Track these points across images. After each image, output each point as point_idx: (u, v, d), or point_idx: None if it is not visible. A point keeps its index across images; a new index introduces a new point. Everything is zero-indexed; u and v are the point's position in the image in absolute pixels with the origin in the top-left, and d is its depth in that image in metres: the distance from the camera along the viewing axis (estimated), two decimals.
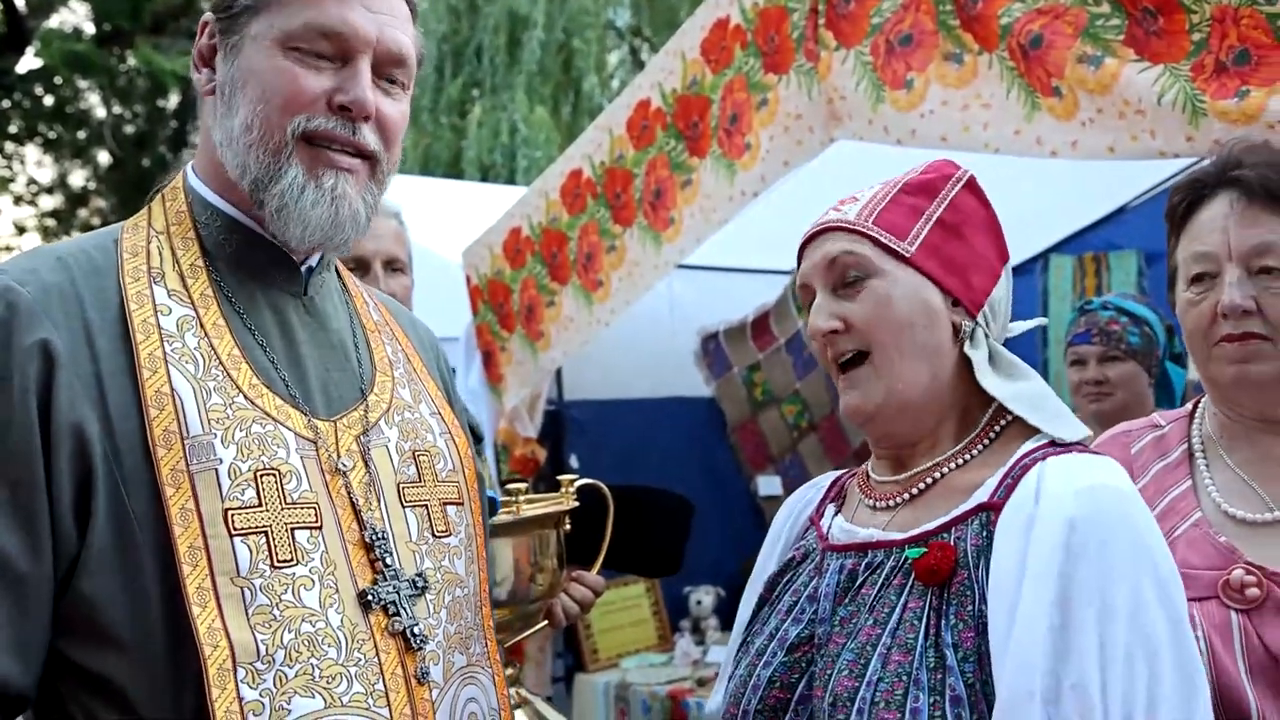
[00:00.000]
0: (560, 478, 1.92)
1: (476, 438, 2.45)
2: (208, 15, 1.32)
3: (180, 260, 1.29)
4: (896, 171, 1.50)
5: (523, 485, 1.82)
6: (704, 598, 4.36)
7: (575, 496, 1.92)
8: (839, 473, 1.58)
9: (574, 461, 4.22)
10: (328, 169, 1.29)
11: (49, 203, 17.45)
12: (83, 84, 16.21)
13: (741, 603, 1.56)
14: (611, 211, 3.24)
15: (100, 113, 16.96)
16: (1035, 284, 4.89)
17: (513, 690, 1.89)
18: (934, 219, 1.38)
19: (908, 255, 1.36)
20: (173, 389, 1.18)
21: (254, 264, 1.33)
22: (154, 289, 1.25)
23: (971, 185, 1.42)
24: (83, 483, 1.14)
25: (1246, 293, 1.48)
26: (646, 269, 3.15)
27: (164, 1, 15.00)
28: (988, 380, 1.34)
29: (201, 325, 1.25)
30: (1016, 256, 4.90)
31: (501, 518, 1.75)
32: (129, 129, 17.68)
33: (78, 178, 17.92)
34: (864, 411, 1.37)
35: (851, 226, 1.38)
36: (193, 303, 1.26)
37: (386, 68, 1.33)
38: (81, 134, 17.01)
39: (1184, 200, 1.59)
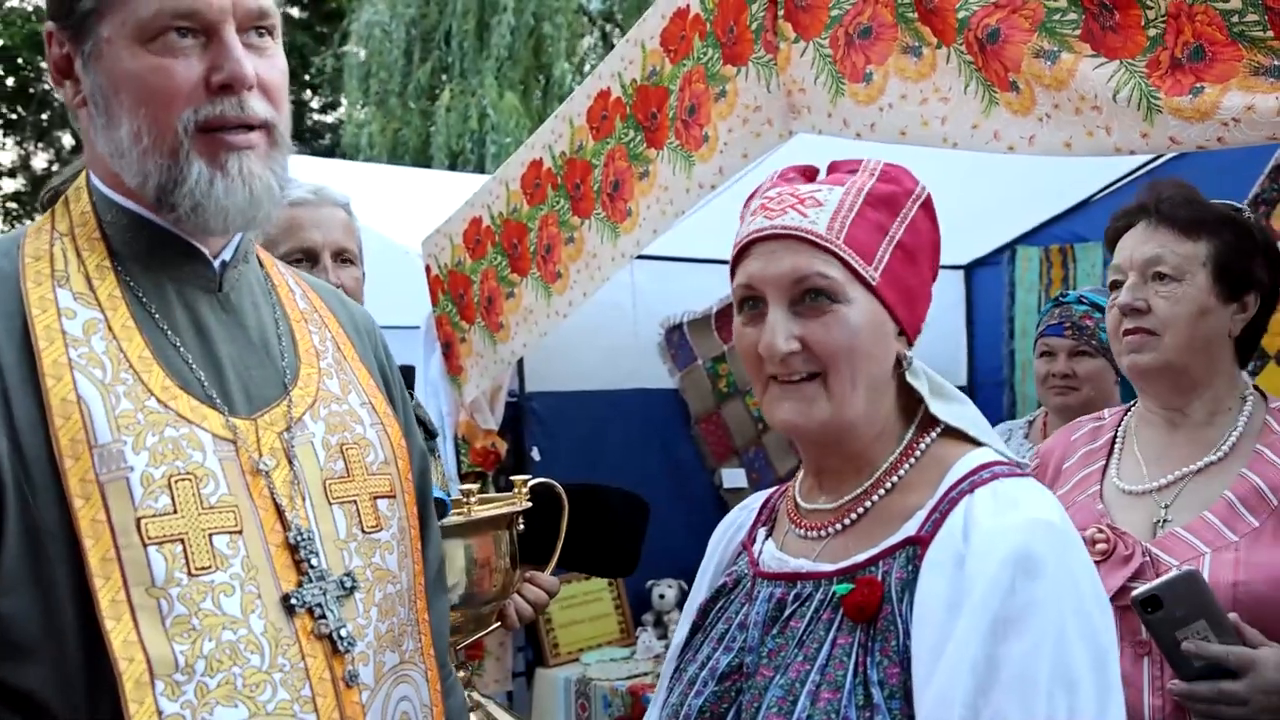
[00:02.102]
0: (514, 478, 1.89)
1: (429, 433, 2.42)
2: (49, 26, 1.25)
3: (86, 261, 1.24)
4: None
5: (474, 487, 1.79)
6: (666, 591, 4.34)
7: (529, 495, 1.89)
8: (768, 492, 1.56)
9: (535, 454, 4.19)
10: (228, 153, 1.25)
11: (10, 185, 17.23)
12: (45, 65, 16.02)
13: (678, 626, 1.54)
14: (571, 202, 3.20)
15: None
16: (1002, 275, 4.91)
17: (467, 693, 1.87)
18: (895, 241, 1.31)
19: (874, 283, 1.29)
20: (79, 395, 1.14)
21: (165, 261, 1.29)
22: (58, 292, 1.20)
23: (927, 204, 1.36)
24: None
25: (1139, 295, 1.84)
26: (604, 261, 3.11)
27: None
28: (938, 408, 1.33)
29: (109, 328, 1.21)
30: (984, 247, 4.99)
31: (453, 519, 1.72)
32: None
33: (40, 160, 17.71)
34: (802, 429, 1.31)
35: (822, 242, 1.28)
36: (100, 305, 1.22)
37: (249, 25, 1.26)
38: (44, 116, 16.81)
39: (1113, 226, 2.00)
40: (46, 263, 1.23)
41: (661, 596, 4.35)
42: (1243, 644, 1.60)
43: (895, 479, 1.32)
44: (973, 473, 1.28)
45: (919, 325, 1.35)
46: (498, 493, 2.63)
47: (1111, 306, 1.90)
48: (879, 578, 1.25)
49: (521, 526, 1.88)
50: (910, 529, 1.26)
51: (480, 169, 11.05)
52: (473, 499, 1.78)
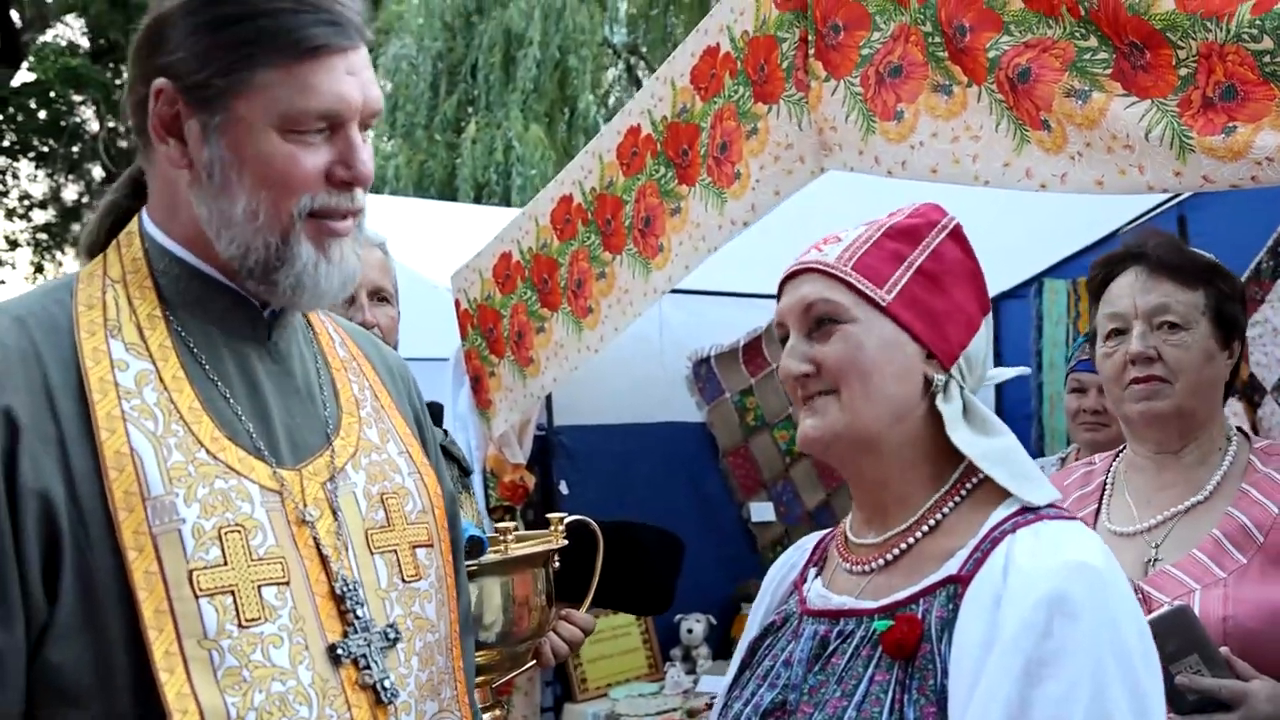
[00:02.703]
0: (550, 516, 1.90)
1: (464, 470, 2.43)
2: (163, 83, 1.24)
3: (138, 310, 1.26)
4: (889, 200, 1.50)
5: (511, 525, 1.80)
6: (695, 626, 4.33)
7: (564, 534, 1.90)
8: (823, 534, 1.57)
9: (564, 488, 4.20)
10: (332, 239, 1.29)
11: (41, 217, 17.42)
12: (77, 98, 16.22)
13: (731, 665, 1.55)
14: (602, 238, 3.22)
15: (94, 126, 16.97)
16: (1029, 308, 4.89)
17: None
18: (915, 267, 1.36)
19: (884, 304, 1.34)
20: (132, 448, 1.16)
21: (215, 311, 1.31)
22: (110, 343, 1.22)
23: (956, 234, 1.40)
24: (50, 550, 1.12)
25: (1149, 344, 1.88)
26: (636, 296, 3.13)
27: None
28: (958, 435, 1.33)
29: (160, 379, 1.22)
30: (1010, 280, 4.98)
31: (489, 557, 1.73)
32: (122, 143, 17.68)
33: (71, 192, 17.91)
34: (818, 440, 1.36)
35: (829, 269, 1.37)
36: (151, 355, 1.23)
37: (368, 122, 1.31)
38: (75, 148, 17.01)
39: (1100, 274, 2.03)
40: (99, 311, 1.24)
41: (690, 631, 4.34)
42: (1234, 677, 1.63)
43: (938, 517, 1.33)
44: (1017, 513, 1.28)
45: (954, 350, 1.36)
46: (527, 527, 2.64)
47: (1111, 354, 1.93)
48: (919, 615, 1.25)
49: (557, 564, 1.88)
50: (952, 567, 1.27)
51: (506, 201, 11.11)
52: (510, 536, 1.79)
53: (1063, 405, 4.82)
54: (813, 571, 1.49)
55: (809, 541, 1.58)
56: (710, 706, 3.80)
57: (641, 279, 3.10)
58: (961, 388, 1.37)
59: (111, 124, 17.02)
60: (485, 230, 3.87)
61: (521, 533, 1.91)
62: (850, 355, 1.33)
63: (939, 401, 1.35)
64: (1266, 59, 1.79)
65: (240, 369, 1.30)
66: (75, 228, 17.48)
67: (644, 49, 14.82)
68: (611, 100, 14.21)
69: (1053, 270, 4.78)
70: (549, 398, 4.12)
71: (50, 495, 1.12)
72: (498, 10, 12.16)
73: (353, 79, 1.26)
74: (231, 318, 1.31)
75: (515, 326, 3.63)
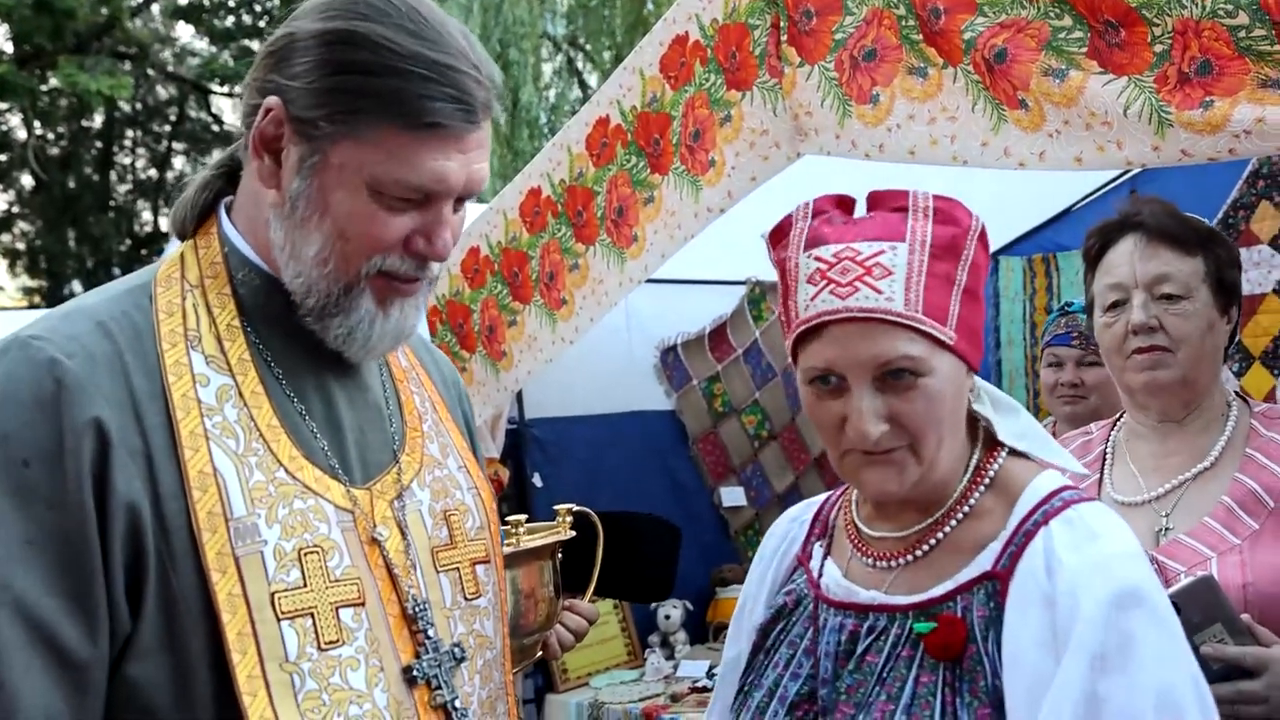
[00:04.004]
0: (556, 507, 1.89)
1: None
2: (274, 103, 1.20)
3: (217, 320, 1.24)
4: (858, 182, 1.42)
5: (522, 516, 1.79)
6: (672, 612, 4.35)
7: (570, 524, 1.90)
8: (816, 503, 1.54)
9: (537, 480, 4.20)
10: (396, 298, 1.26)
11: None
12: (2, 105, 15.84)
13: (728, 638, 1.54)
14: (573, 229, 3.22)
15: (22, 134, 16.59)
16: (987, 286, 4.96)
17: None
18: (962, 288, 1.28)
19: (951, 343, 1.26)
20: (215, 468, 1.14)
21: (293, 325, 1.27)
22: (191, 355, 1.19)
23: (983, 237, 1.33)
24: (135, 565, 1.11)
25: (1150, 313, 1.87)
26: (611, 287, 3.13)
27: (87, 20, 14.68)
28: (1004, 433, 1.34)
29: (240, 394, 1.20)
30: None
31: (503, 549, 1.73)
32: (53, 150, 17.33)
33: (0, 201, 17.51)
34: (894, 495, 1.29)
35: (901, 320, 1.23)
36: (230, 369, 1.21)
37: (465, 198, 1.27)
38: (3, 157, 16.63)
39: (1097, 243, 2.00)
40: (179, 320, 1.21)
41: (667, 617, 4.35)
42: (1256, 644, 1.64)
43: (967, 508, 1.31)
44: (1044, 501, 1.27)
45: (981, 355, 1.34)
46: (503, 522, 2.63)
47: (1112, 324, 1.92)
48: (959, 614, 1.24)
49: (560, 557, 1.88)
50: (985, 563, 1.26)
51: None
52: (521, 529, 1.78)
53: (1022, 381, 4.93)
54: (818, 549, 1.45)
55: (804, 513, 1.54)
56: (693, 691, 3.82)
57: (616, 269, 3.10)
58: (976, 386, 1.36)
59: (40, 131, 16.65)
60: None
61: (529, 525, 1.90)
62: (932, 411, 1.25)
63: (975, 405, 1.34)
64: (1242, 33, 1.84)
65: (317, 384, 1.29)
66: (5, 237, 17.08)
67: (583, 41, 14.78)
68: (553, 93, 14.16)
69: (1008, 248, 4.85)
70: (520, 391, 4.11)
71: (138, 510, 1.11)
72: (437, 4, 12.05)
73: (460, 158, 1.21)
74: (309, 332, 1.28)
75: (486, 321, 3.62)
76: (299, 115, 1.19)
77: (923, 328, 1.23)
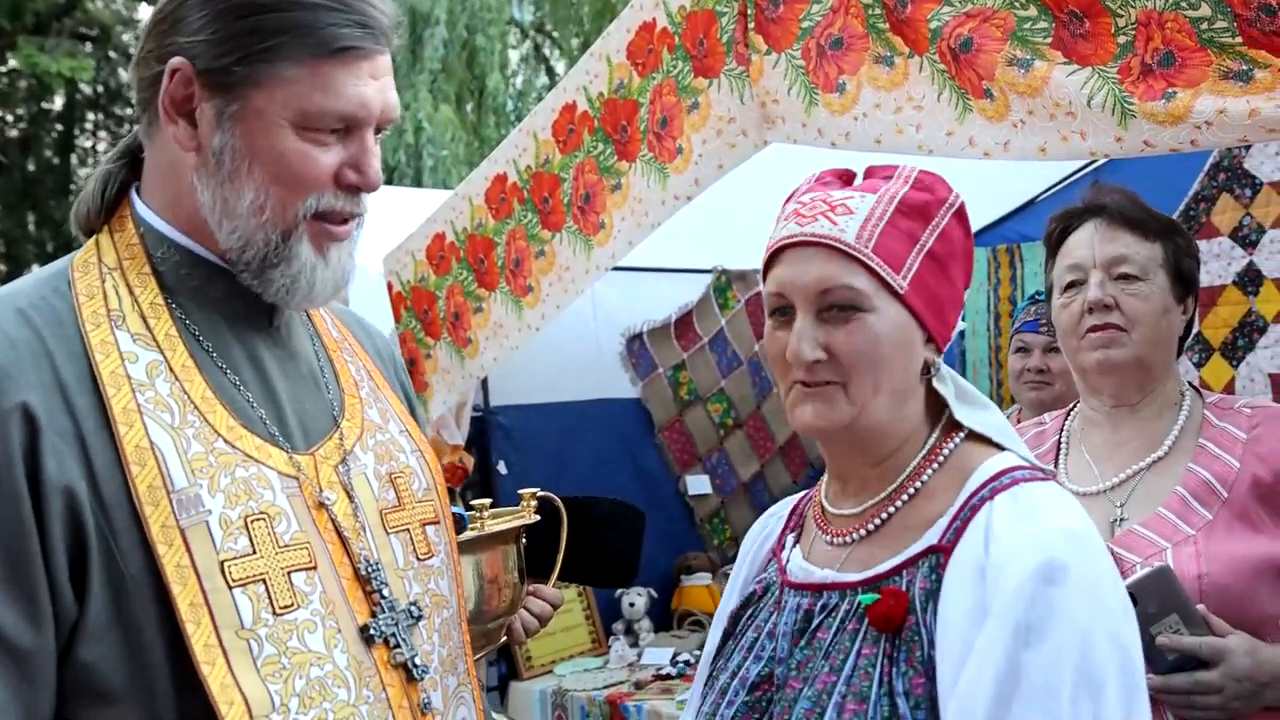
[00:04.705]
0: (521, 491, 1.89)
1: None
2: (179, 63, 1.21)
3: (139, 299, 1.23)
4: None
5: (486, 501, 1.79)
6: (636, 599, 4.36)
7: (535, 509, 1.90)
8: (797, 498, 1.57)
9: (502, 468, 4.19)
10: (331, 242, 1.28)
11: None
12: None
13: (710, 632, 1.56)
14: (540, 216, 3.21)
15: None
16: None
17: None
18: (925, 250, 1.31)
19: (901, 292, 1.29)
20: (151, 442, 1.14)
21: (218, 298, 1.28)
22: (117, 334, 1.19)
23: (960, 213, 1.38)
24: (76, 547, 1.10)
25: (1107, 292, 1.88)
26: (578, 274, 3.13)
27: (47, 1, 14.45)
28: (963, 414, 1.34)
29: (170, 369, 1.20)
30: None
31: (465, 535, 1.72)
32: (12, 133, 17.06)
33: None
34: (823, 430, 1.32)
35: (850, 250, 1.29)
36: (159, 345, 1.21)
37: (381, 127, 1.29)
38: None
39: (1058, 228, 2.04)
40: (100, 301, 1.21)
41: (631, 605, 4.36)
42: (1212, 634, 1.65)
43: (918, 484, 1.32)
44: (993, 478, 1.28)
45: (949, 333, 1.36)
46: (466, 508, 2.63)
47: (1068, 305, 1.93)
48: (903, 588, 1.25)
49: (524, 541, 1.88)
50: (932, 537, 1.27)
51: (418, 182, 10.98)
52: (485, 514, 1.78)
53: (986, 371, 4.97)
54: (790, 539, 1.47)
55: (784, 508, 1.57)
56: (657, 678, 3.83)
57: (583, 256, 3.09)
58: (940, 366, 1.37)
59: None
60: (402, 212, 3.82)
61: (494, 510, 1.90)
62: (869, 349, 1.28)
63: (936, 383, 1.35)
64: (1204, 25, 1.85)
65: (247, 355, 1.29)
66: None
67: (551, 28, 14.71)
68: (520, 80, 14.09)
69: (973, 239, 4.88)
70: (485, 379, 4.09)
71: (74, 492, 1.10)
72: None
73: (374, 83, 1.24)
74: (234, 304, 1.29)
75: (452, 307, 3.60)
76: (208, 68, 1.21)
77: (870, 263, 1.28)
